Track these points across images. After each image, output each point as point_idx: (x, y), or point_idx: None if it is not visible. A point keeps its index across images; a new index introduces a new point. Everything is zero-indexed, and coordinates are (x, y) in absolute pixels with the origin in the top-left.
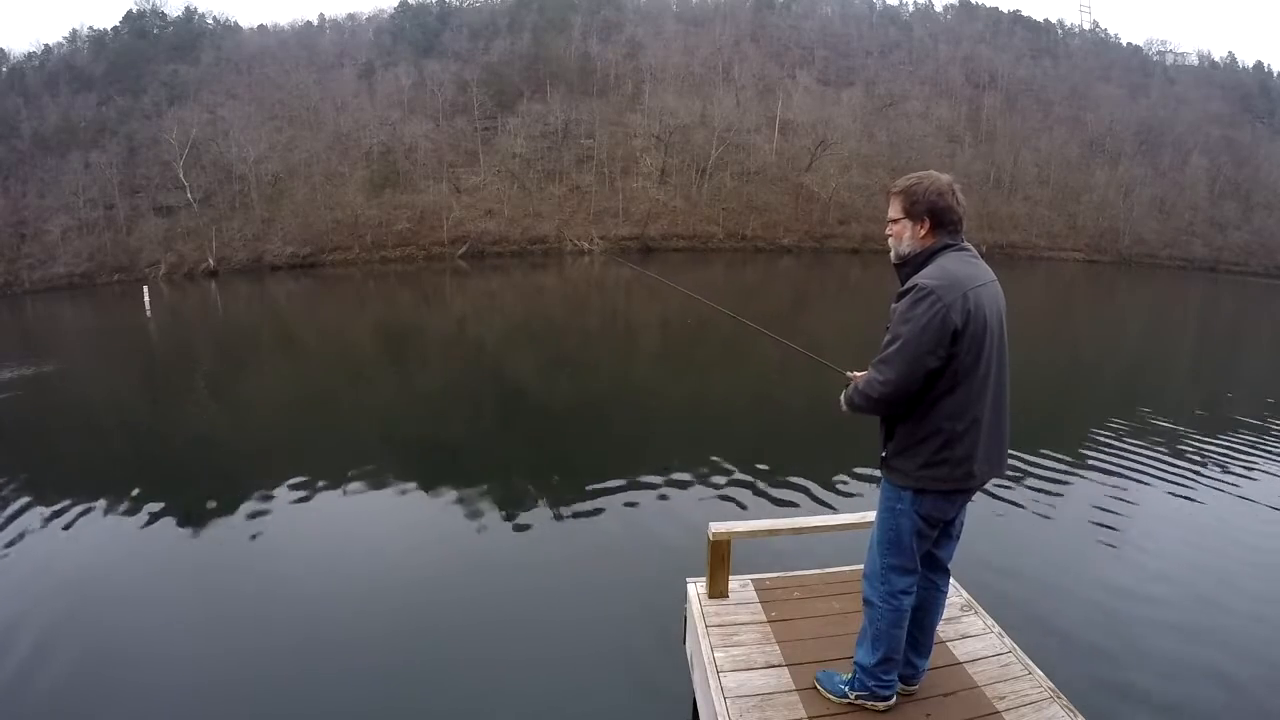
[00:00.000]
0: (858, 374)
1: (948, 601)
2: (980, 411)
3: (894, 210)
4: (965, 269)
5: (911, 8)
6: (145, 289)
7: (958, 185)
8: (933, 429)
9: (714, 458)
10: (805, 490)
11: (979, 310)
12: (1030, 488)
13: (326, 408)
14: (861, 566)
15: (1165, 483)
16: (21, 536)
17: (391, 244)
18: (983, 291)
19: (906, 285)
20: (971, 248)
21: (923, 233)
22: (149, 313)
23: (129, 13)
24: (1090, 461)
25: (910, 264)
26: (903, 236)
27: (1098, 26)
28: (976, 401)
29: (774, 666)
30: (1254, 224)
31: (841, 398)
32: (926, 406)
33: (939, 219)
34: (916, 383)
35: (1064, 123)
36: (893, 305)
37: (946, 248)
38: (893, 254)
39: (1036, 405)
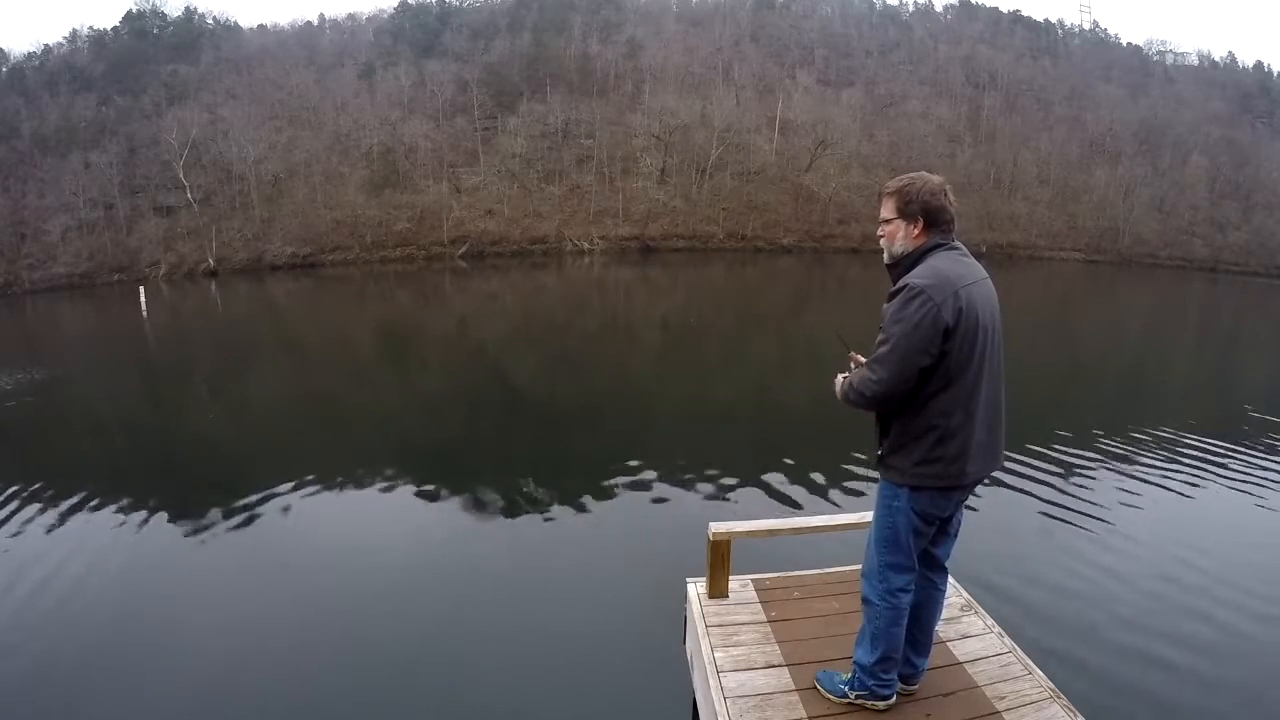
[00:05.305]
0: (860, 357)
1: (948, 601)
2: (974, 408)
3: (887, 210)
4: (956, 268)
5: (911, 8)
6: (142, 290)
7: (949, 186)
8: (926, 426)
9: (714, 457)
10: (805, 490)
11: (970, 308)
12: (1031, 487)
13: (325, 409)
14: (861, 566)
15: (1166, 483)
16: (24, 539)
17: (391, 244)
18: (974, 289)
19: (897, 285)
20: (962, 246)
21: (916, 232)
22: (145, 314)
23: (129, 13)
24: (1091, 461)
25: (902, 264)
26: (896, 237)
27: (1098, 26)
28: (970, 398)
29: (774, 666)
30: (1254, 224)
31: (837, 384)
32: (920, 404)
33: (932, 218)
34: (909, 381)
35: (1064, 123)
36: (885, 306)
37: (938, 247)
38: (886, 255)
39: (1037, 405)
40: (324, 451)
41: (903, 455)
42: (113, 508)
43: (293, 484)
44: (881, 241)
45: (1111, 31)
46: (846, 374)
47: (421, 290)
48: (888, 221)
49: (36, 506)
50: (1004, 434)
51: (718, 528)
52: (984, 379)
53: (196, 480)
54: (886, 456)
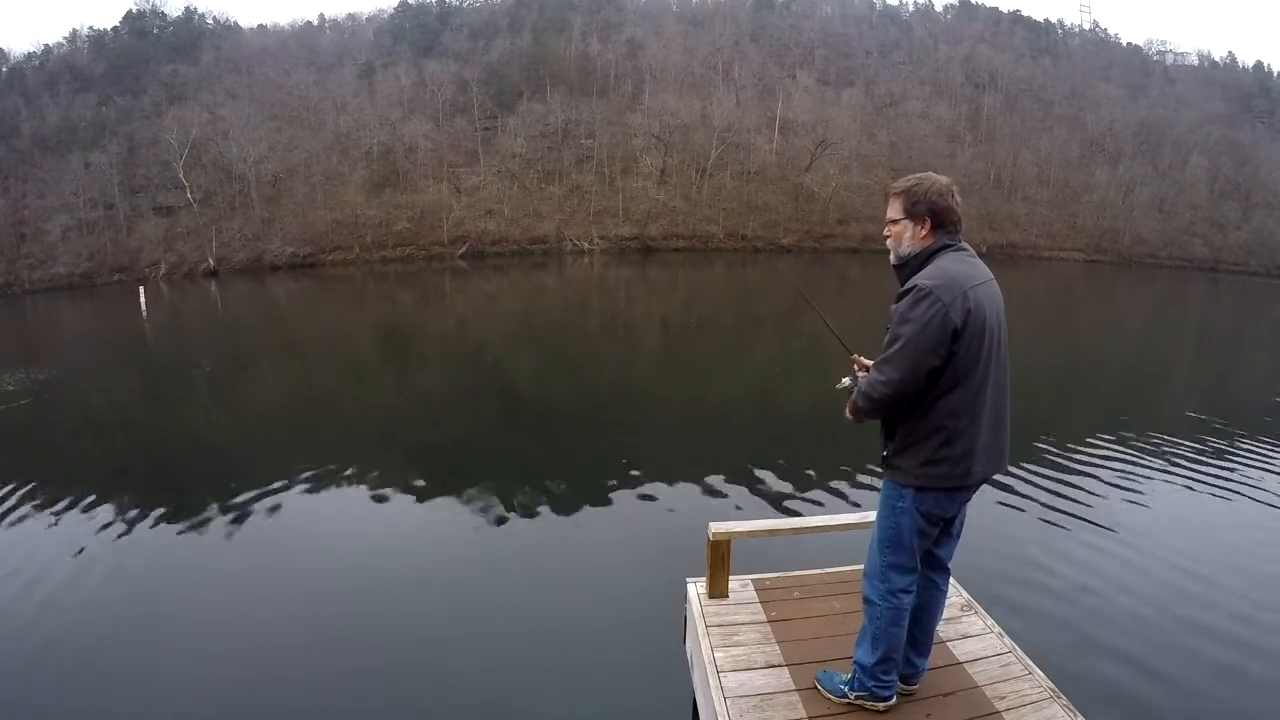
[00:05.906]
0: (863, 359)
1: (948, 601)
2: (980, 409)
3: (893, 211)
4: (964, 268)
5: (911, 8)
6: (141, 290)
7: (955, 186)
8: (933, 427)
9: (714, 458)
10: (805, 490)
11: (978, 309)
12: (1031, 488)
13: (325, 409)
14: (862, 566)
15: (1168, 483)
16: (23, 539)
17: (391, 244)
18: (981, 290)
19: (906, 286)
20: (969, 248)
21: (923, 233)
22: (145, 314)
23: (129, 13)
24: (1092, 461)
25: (910, 265)
26: (902, 237)
27: (1098, 26)
28: (976, 399)
29: (774, 666)
30: (1254, 224)
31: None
32: (927, 405)
33: (939, 219)
34: (918, 382)
35: (1064, 123)
36: (893, 306)
37: (945, 248)
38: (892, 255)
39: (1038, 405)
40: (323, 452)
41: (908, 456)
42: (111, 507)
43: (290, 484)
44: (888, 242)
45: (1111, 31)
46: (852, 393)
47: (421, 290)
48: (894, 222)
49: (34, 506)
50: (1009, 435)
51: (718, 528)
52: (990, 380)
53: (195, 479)
54: (892, 457)
